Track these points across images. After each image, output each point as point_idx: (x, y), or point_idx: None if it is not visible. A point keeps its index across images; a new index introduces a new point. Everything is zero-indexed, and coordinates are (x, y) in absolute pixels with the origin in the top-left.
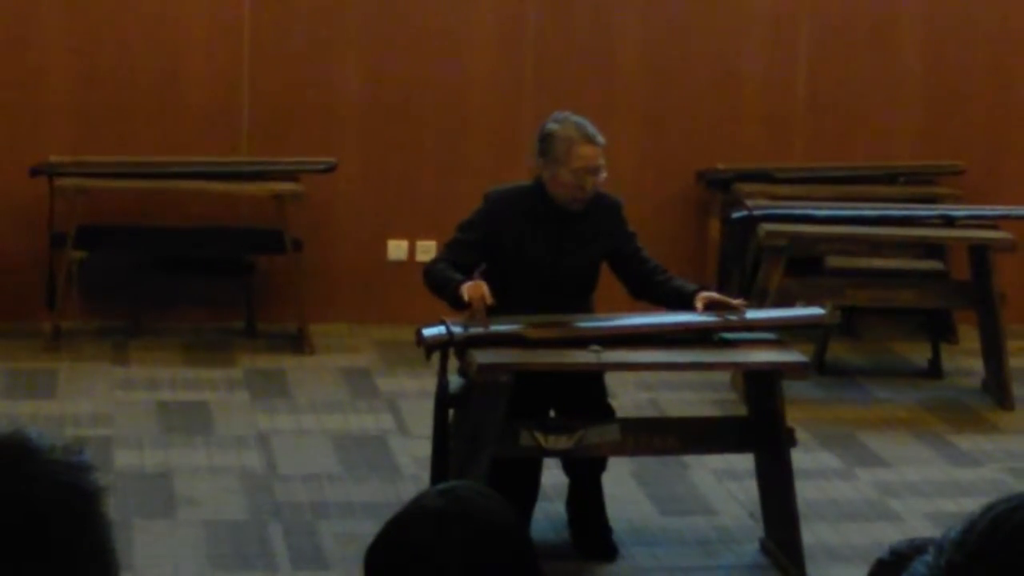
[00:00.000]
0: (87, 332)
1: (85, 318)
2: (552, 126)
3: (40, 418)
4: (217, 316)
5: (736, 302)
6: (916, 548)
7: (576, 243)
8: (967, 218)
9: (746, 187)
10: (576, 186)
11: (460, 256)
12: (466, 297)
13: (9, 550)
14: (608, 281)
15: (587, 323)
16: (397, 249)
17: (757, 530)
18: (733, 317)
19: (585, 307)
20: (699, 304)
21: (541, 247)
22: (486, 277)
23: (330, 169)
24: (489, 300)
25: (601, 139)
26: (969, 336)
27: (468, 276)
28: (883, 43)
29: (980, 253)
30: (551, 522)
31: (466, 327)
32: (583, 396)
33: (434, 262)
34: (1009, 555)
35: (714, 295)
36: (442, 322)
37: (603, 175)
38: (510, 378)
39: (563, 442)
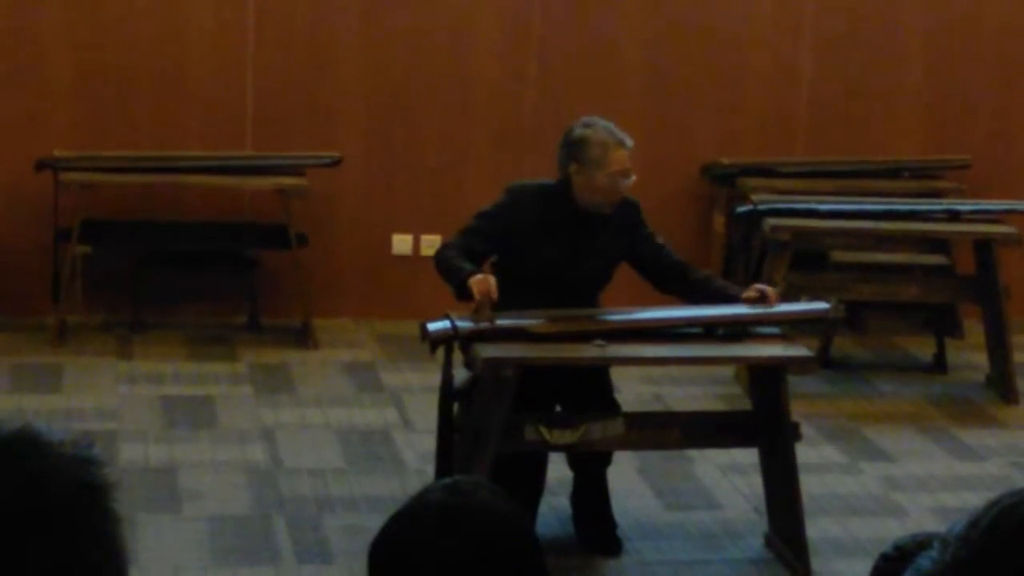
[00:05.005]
0: (91, 327)
1: (90, 313)
2: (584, 131)
3: (45, 413)
4: (221, 311)
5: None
6: (920, 543)
7: (594, 247)
8: (972, 212)
9: (750, 182)
10: (611, 190)
11: (474, 243)
12: (474, 292)
13: (19, 544)
14: (613, 278)
15: (592, 317)
16: (401, 243)
17: (761, 524)
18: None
19: (592, 304)
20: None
21: (558, 249)
22: (495, 271)
23: (334, 163)
24: (495, 295)
25: (630, 142)
26: (974, 331)
27: (478, 265)
28: (887, 36)
29: (985, 247)
30: (556, 516)
31: (476, 322)
32: (588, 391)
33: (446, 246)
34: (1013, 550)
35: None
36: (446, 316)
37: (633, 178)
38: (515, 372)
39: (567, 436)
